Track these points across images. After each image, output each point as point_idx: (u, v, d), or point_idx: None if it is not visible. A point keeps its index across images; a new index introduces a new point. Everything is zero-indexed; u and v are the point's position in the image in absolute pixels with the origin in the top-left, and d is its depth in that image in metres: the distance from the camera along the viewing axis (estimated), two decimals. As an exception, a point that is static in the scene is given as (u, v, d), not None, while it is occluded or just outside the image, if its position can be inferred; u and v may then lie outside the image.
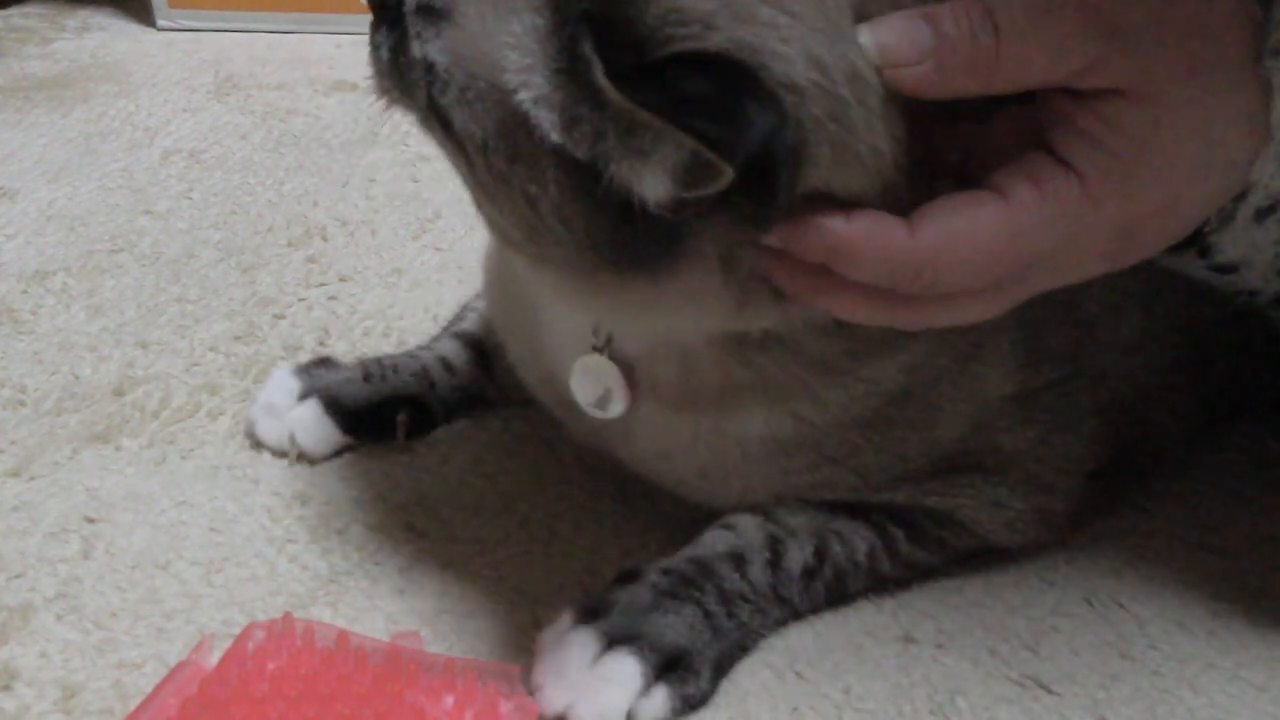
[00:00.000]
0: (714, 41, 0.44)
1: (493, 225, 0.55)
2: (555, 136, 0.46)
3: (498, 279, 0.73)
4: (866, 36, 0.47)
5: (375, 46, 0.54)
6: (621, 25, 0.44)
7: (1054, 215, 0.48)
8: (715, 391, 0.59)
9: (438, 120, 0.51)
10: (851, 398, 0.59)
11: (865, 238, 0.47)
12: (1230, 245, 0.52)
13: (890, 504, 0.64)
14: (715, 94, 0.43)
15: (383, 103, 0.55)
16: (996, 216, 0.47)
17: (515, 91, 0.47)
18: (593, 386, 0.61)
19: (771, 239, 0.48)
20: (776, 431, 0.60)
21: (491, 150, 0.49)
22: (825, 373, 0.58)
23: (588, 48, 0.44)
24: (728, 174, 0.43)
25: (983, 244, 0.48)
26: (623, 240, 0.49)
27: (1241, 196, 0.50)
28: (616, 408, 0.61)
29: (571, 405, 0.63)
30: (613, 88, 0.43)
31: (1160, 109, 0.47)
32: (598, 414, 0.62)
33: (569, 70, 0.45)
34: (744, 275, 0.51)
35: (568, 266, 0.52)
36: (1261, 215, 0.51)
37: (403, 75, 0.52)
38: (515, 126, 0.48)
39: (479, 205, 0.54)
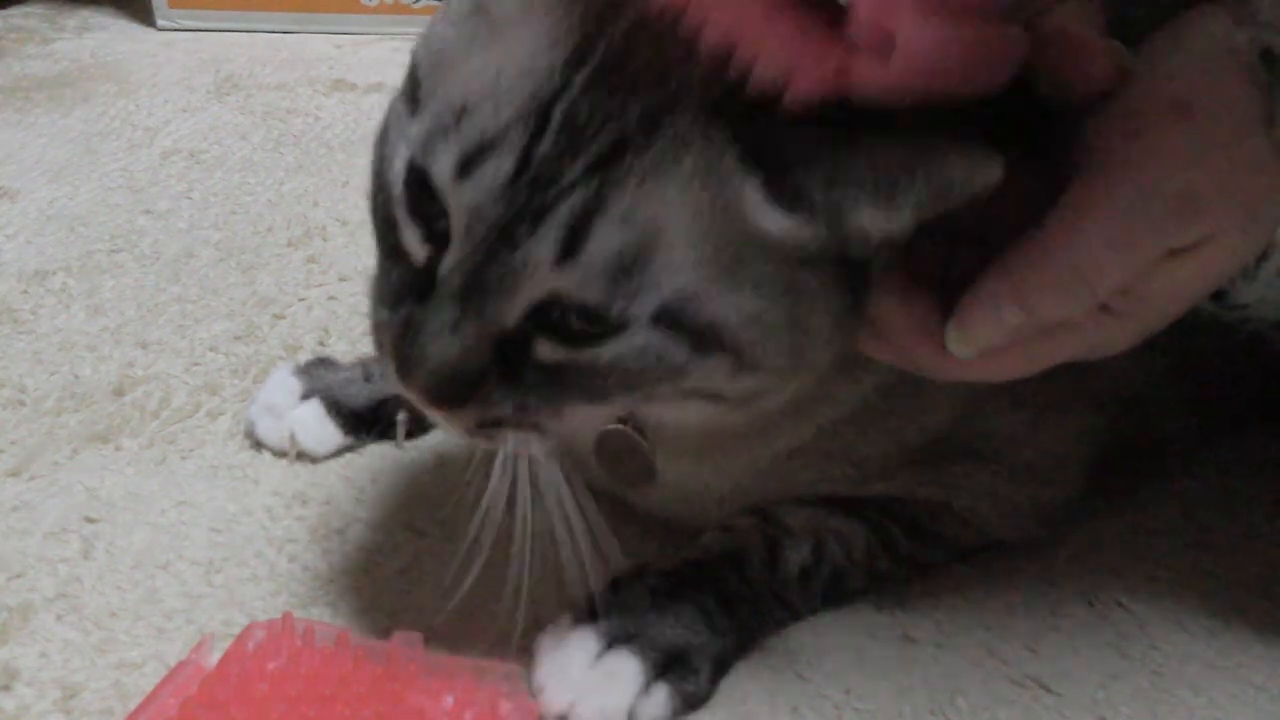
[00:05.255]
0: None
1: (712, 415, 0.52)
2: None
3: None
4: (956, 337, 0.50)
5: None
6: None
7: (1078, 339, 0.50)
8: (744, 430, 0.59)
9: (686, 334, 0.47)
10: (862, 390, 0.59)
11: (902, 332, 0.51)
12: (1249, 293, 0.53)
13: (886, 498, 0.64)
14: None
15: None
16: (1019, 341, 0.50)
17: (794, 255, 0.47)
18: (627, 461, 0.60)
19: None
20: (797, 443, 0.60)
21: (767, 325, 0.47)
22: (842, 369, 0.58)
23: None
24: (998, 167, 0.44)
25: (1005, 361, 0.51)
26: (851, 325, 0.50)
27: (1264, 256, 0.52)
28: (648, 478, 0.61)
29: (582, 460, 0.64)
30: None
31: (1215, 252, 0.48)
32: (630, 493, 0.61)
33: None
34: None
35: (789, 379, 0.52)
36: None
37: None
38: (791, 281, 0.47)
39: (707, 406, 0.51)
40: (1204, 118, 0.47)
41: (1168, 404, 0.72)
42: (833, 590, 0.63)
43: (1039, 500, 0.66)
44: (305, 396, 0.76)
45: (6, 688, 0.58)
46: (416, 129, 0.48)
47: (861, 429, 0.61)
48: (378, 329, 0.51)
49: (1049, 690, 0.60)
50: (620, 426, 0.58)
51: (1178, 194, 0.47)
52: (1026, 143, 0.50)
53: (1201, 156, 0.47)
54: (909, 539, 0.64)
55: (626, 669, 0.56)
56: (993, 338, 0.49)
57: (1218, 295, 0.54)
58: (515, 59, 0.46)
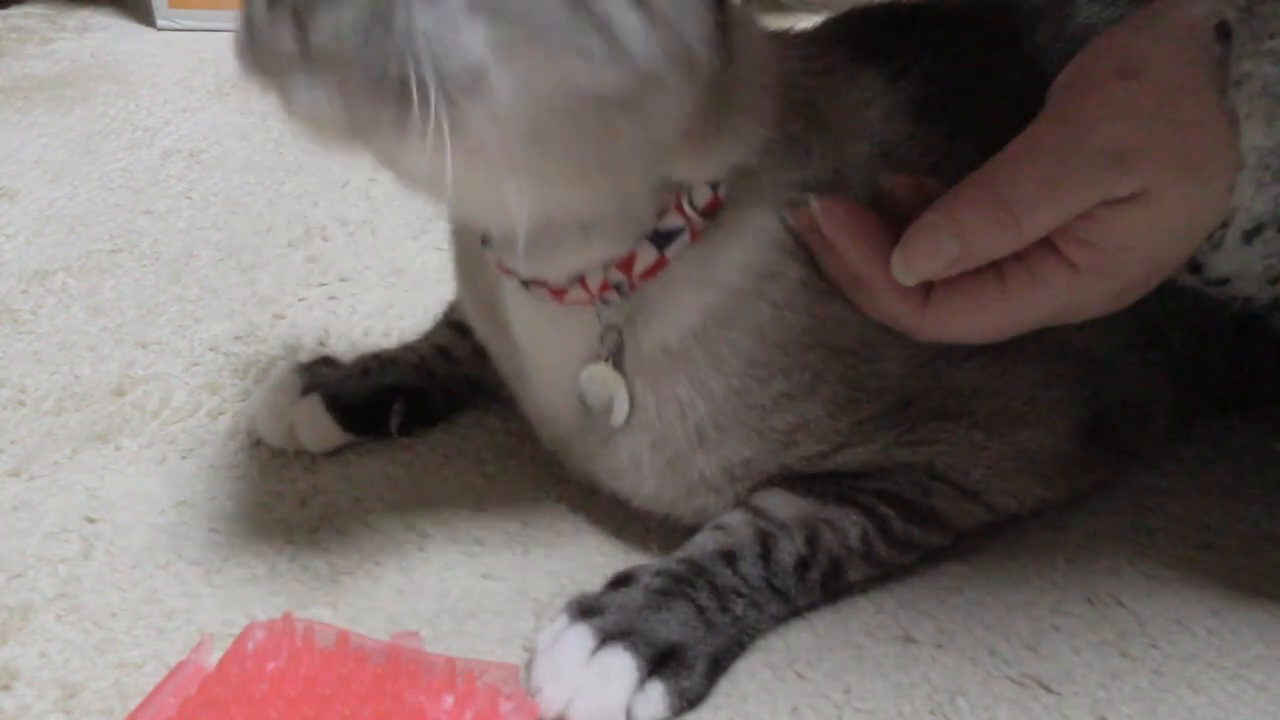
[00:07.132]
0: None
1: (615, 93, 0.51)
2: None
3: (477, 316, 0.72)
4: (899, 263, 0.54)
5: None
6: None
7: (1047, 296, 0.54)
8: (703, 310, 0.59)
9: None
10: (803, 280, 0.59)
11: (885, 292, 0.55)
12: (1223, 264, 0.55)
13: (875, 475, 0.63)
14: None
15: None
16: (993, 298, 0.55)
17: None
18: (599, 393, 0.62)
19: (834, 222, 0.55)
20: (760, 322, 0.59)
21: None
22: (781, 249, 0.59)
23: None
24: None
25: (981, 319, 0.56)
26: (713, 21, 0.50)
27: (1226, 223, 0.53)
28: (621, 412, 0.62)
29: (564, 441, 0.64)
30: None
31: (1159, 204, 0.51)
32: (607, 419, 0.62)
33: None
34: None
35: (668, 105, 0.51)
36: (1249, 236, 0.54)
37: None
38: None
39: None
40: (1148, 79, 0.51)
41: (1141, 372, 0.70)
42: (831, 581, 0.63)
43: (1023, 449, 0.64)
44: (305, 392, 0.75)
45: (6, 688, 0.58)
46: None
47: (824, 359, 0.60)
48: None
49: (1049, 690, 0.60)
50: (601, 364, 0.61)
51: (1110, 145, 0.50)
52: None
53: (1139, 114, 0.51)
54: (904, 521, 0.64)
55: (619, 665, 0.55)
56: (931, 265, 0.54)
57: (1195, 268, 0.55)
58: None
